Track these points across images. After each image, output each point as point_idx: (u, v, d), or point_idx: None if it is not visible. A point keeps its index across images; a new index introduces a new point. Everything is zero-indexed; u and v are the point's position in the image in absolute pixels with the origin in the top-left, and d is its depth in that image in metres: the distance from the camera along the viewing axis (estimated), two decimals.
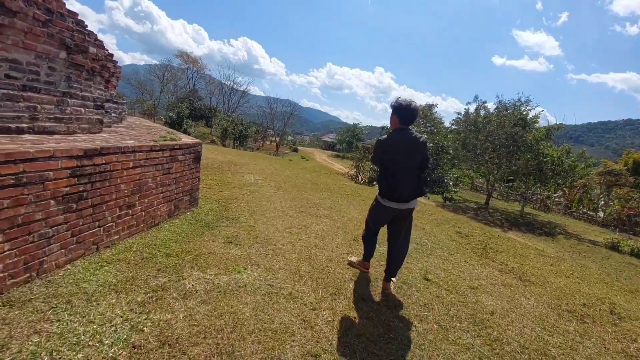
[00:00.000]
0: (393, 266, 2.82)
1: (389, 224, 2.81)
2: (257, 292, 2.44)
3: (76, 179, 2.38)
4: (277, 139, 62.12)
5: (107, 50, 4.78)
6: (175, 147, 3.64)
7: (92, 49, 3.38)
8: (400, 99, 2.59)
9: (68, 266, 2.39)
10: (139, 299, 2.11)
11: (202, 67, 57.96)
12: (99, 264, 2.50)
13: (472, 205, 23.53)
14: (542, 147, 20.77)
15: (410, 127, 2.59)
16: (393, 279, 2.89)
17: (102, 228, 2.73)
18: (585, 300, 3.41)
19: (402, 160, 2.53)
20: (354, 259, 3.29)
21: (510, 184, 25.75)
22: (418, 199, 2.80)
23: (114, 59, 5.68)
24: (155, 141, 3.55)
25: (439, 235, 5.05)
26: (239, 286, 2.47)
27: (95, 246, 2.69)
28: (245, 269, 2.79)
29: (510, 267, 4.09)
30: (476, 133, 23.32)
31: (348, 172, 18.18)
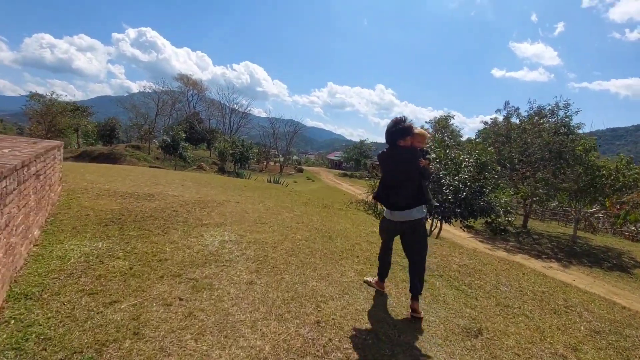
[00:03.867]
0: (415, 283, 2.71)
1: (402, 241, 2.85)
2: None
3: None
4: (281, 159, 59.42)
5: None
6: None
7: None
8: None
9: None
10: None
11: (203, 89, 56.30)
12: None
13: (510, 229, 19.94)
14: (592, 158, 17.38)
15: (401, 144, 2.66)
16: (419, 296, 2.76)
17: None
18: None
19: (392, 173, 2.75)
20: (370, 278, 3.24)
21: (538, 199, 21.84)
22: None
23: None
24: None
25: None
26: None
27: None
28: None
29: None
30: (509, 145, 20.05)
31: (364, 199, 14.87)
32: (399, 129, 2.63)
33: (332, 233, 5.08)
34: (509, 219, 14.61)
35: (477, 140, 23.41)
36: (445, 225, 12.59)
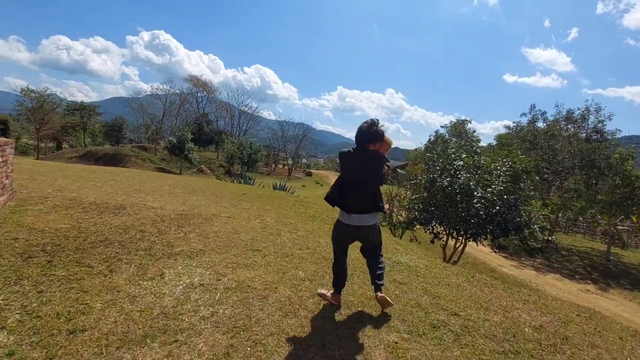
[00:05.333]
0: (378, 276, 2.73)
1: (361, 248, 2.90)
2: None
3: None
4: (290, 162, 58.42)
5: None
6: None
7: None
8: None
9: None
10: None
11: (212, 90, 55.71)
12: None
13: (533, 244, 18.33)
14: (629, 167, 15.77)
15: (369, 146, 2.61)
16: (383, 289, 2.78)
17: None
18: None
19: (355, 174, 2.65)
20: (324, 290, 2.96)
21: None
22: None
23: None
24: None
25: None
26: None
27: None
28: None
29: None
30: (534, 151, 18.52)
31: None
32: (373, 132, 2.60)
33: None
34: (550, 237, 13.05)
35: (495, 146, 21.89)
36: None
